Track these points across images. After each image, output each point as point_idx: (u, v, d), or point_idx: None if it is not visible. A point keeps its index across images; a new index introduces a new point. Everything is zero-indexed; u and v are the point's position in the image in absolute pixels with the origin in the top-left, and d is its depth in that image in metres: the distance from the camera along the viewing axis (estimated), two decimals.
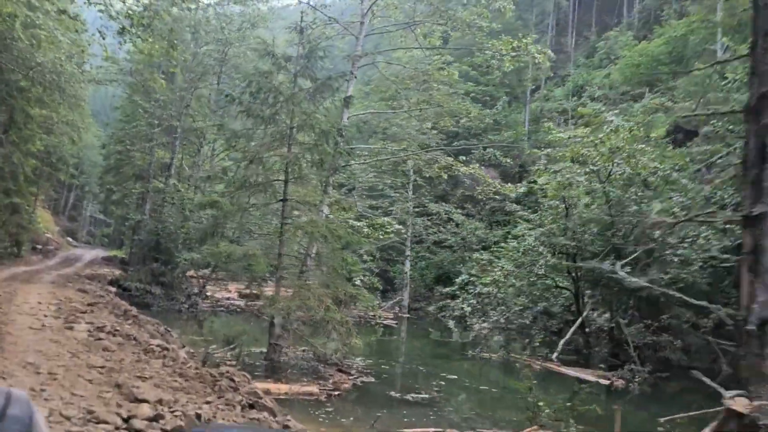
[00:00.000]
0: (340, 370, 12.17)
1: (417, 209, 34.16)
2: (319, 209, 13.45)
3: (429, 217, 33.19)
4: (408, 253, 33.26)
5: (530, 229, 22.33)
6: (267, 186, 13.23)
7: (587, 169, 17.15)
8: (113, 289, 23.96)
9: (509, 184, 29.43)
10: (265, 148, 12.76)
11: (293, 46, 14.63)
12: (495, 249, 35.22)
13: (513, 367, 16.56)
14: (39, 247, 44.73)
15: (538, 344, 19.58)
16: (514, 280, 20.34)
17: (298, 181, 13.35)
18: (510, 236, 36.43)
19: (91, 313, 13.13)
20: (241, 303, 28.19)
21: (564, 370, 15.29)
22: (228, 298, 30.05)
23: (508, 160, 37.67)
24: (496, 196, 40.75)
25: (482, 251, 34.30)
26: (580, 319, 19.13)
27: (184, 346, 11.13)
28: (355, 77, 16.05)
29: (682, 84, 28.61)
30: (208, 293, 28.33)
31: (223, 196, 13.69)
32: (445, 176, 22.50)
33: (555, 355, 17.33)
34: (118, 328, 10.73)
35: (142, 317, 13.02)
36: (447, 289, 34.76)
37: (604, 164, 17.15)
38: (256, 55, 28.88)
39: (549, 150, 21.30)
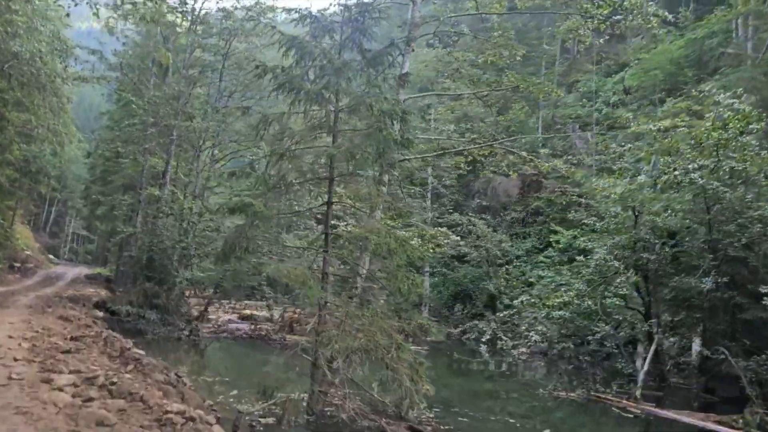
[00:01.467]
0: (411, 429, 9.08)
1: (440, 219, 31.32)
2: (371, 215, 10.45)
3: (452, 229, 30.27)
4: (427, 269, 30.29)
5: (590, 240, 19.52)
6: (307, 185, 10.24)
7: (691, 165, 14.29)
8: (100, 314, 20.67)
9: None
10: (306, 136, 9.78)
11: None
12: (519, 264, 32.48)
13: (607, 410, 13.56)
14: (17, 265, 41.31)
15: (596, 376, 16.73)
16: (589, 302, 17.43)
17: (345, 178, 10.37)
18: (538, 248, 33.92)
19: (77, 354, 9.95)
20: (246, 326, 25.02)
21: (673, 414, 12.33)
22: (230, 321, 26.84)
23: (528, 168, 35.15)
24: (516, 208, 38.15)
25: (507, 266, 31.48)
26: (653, 347, 16.25)
27: (212, 409, 7.98)
28: (412, 50, 13.17)
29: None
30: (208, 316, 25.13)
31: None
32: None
33: (638, 392, 14.41)
34: (115, 380, 7.60)
35: (146, 360, 9.84)
36: (462, 307, 31.88)
37: (705, 160, 14.38)
38: (266, 42, 26.22)
39: (631, 144, 18.44)
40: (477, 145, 16.91)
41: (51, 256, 65.10)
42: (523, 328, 25.61)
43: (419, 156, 15.20)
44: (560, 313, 17.93)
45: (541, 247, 33.27)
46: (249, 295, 31.39)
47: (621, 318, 17.44)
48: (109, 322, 20.72)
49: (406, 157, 13.19)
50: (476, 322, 27.68)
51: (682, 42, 45.65)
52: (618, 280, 16.60)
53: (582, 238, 20.95)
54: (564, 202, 26.27)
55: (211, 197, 27.74)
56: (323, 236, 10.25)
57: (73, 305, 21.38)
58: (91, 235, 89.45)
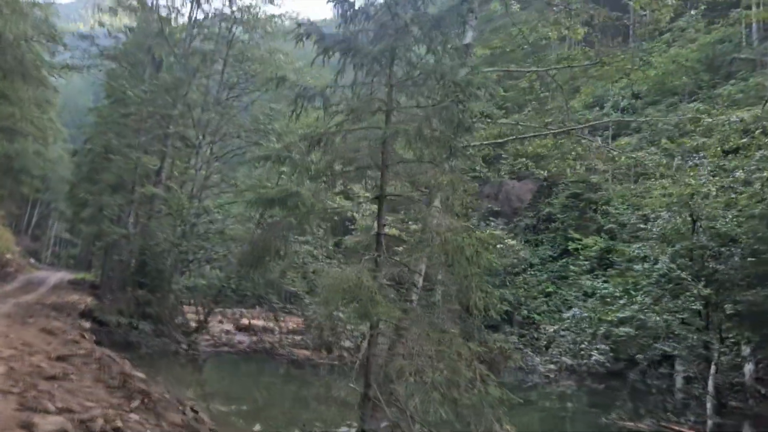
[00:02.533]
0: None
1: None
2: (430, 210, 8.57)
3: None
4: (440, 277, 28.37)
5: (640, 248, 17.76)
6: (357, 174, 8.33)
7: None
8: (87, 325, 18.51)
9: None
10: (362, 111, 7.89)
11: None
12: (534, 273, 30.74)
13: None
14: None
15: (666, 403, 14.94)
16: (656, 316, 15.60)
17: (399, 167, 8.50)
18: (552, 256, 32.24)
19: (65, 381, 7.90)
20: (246, 338, 22.94)
21: None
22: (227, 332, 24.72)
23: (542, 172, 33.59)
24: (528, 213, 36.47)
25: (523, 274, 29.68)
26: (713, 367, 14.51)
27: None
28: (476, 17, 11.34)
29: None
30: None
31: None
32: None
33: (709, 421, 12.63)
34: (119, 425, 5.62)
35: (155, 393, 7.79)
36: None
37: None
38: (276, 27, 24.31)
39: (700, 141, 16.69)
40: (551, 131, 15.07)
41: (32, 260, 62.57)
42: (543, 342, 23.84)
43: (484, 143, 13.36)
44: (626, 330, 16.11)
45: (556, 255, 31.58)
46: (245, 304, 29.27)
47: (685, 335, 15.66)
48: (98, 334, 18.57)
49: (469, 144, 11.32)
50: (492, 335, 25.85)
51: (694, 47, 44.70)
52: (686, 293, 14.87)
53: (634, 246, 19.13)
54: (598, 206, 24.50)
55: (208, 199, 25.64)
56: (374, 237, 8.33)
57: (57, 314, 19.18)
58: (74, 238, 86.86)
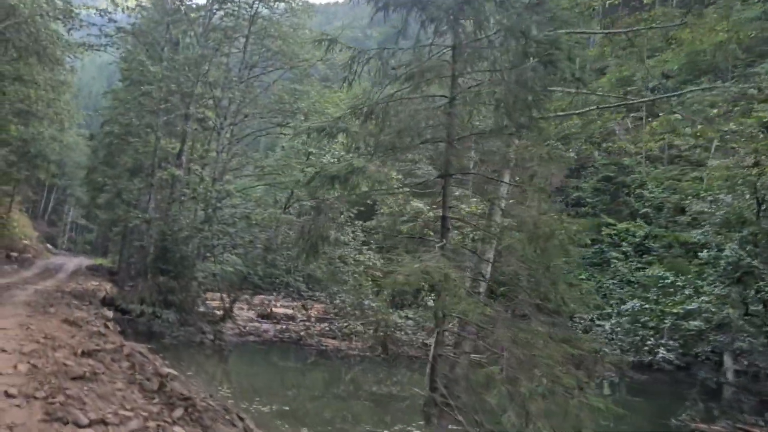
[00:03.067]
0: None
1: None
2: (498, 193, 7.53)
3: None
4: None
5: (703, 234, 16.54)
6: (418, 148, 7.32)
7: None
8: (110, 313, 17.77)
9: None
10: (424, 75, 6.85)
11: None
12: (566, 260, 29.51)
13: None
14: (14, 255, 38.48)
15: (741, 403, 13.90)
16: (730, 309, 14.48)
17: (468, 139, 7.49)
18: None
19: (95, 383, 7.04)
20: (270, 327, 22.10)
21: None
22: (250, 321, 23.93)
23: (572, 154, 32.37)
24: (556, 198, 35.24)
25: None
26: None
27: None
28: None
29: None
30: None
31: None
32: None
33: None
34: None
35: (199, 399, 6.87)
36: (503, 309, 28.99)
37: None
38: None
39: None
40: (640, 101, 13.84)
41: (49, 246, 62.47)
42: (579, 332, 22.75)
43: (559, 115, 12.24)
44: (696, 324, 14.99)
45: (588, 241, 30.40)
46: (268, 291, 28.36)
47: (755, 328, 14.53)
48: (121, 323, 17.84)
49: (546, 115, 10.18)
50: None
51: (727, 24, 42.72)
52: (760, 282, 13.72)
53: (695, 232, 17.90)
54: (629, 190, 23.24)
55: (229, 182, 24.69)
56: (440, 221, 7.33)
57: (79, 303, 18.48)
58: (90, 224, 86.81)
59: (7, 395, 6.38)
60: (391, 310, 18.54)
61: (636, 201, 25.78)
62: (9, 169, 29.60)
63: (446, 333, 7.08)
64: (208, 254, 20.28)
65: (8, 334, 10.92)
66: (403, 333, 18.14)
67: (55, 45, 21.42)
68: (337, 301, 19.09)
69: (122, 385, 6.89)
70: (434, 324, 7.16)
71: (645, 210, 26.30)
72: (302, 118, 18.64)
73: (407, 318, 18.36)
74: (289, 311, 25.01)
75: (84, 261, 51.10)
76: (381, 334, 17.73)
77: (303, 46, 21.25)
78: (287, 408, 9.95)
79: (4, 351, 9.10)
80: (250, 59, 22.14)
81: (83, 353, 9.28)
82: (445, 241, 7.20)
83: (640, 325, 17.74)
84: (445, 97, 7.44)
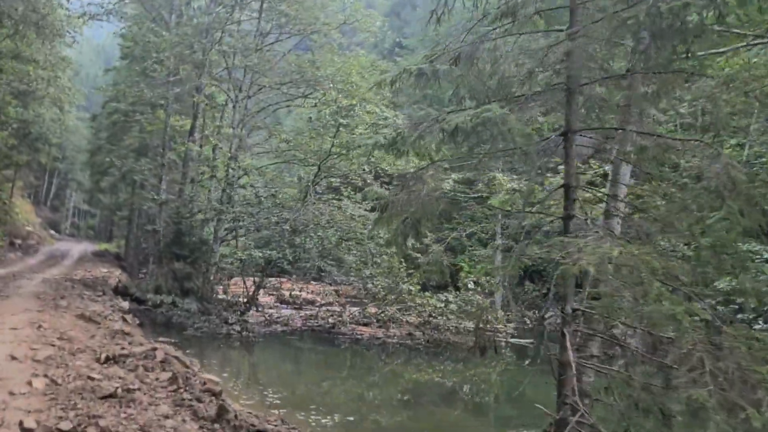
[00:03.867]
0: None
1: None
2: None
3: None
4: (499, 240, 25.68)
5: None
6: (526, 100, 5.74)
7: None
8: (125, 304, 16.34)
9: None
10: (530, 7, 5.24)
11: None
12: None
13: None
14: (18, 242, 37.08)
15: None
16: None
17: (594, 88, 5.90)
18: None
19: (131, 405, 5.55)
20: (295, 314, 20.59)
21: None
22: (272, 306, 22.46)
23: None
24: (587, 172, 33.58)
25: None
26: None
27: None
28: None
29: None
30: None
31: None
32: None
33: None
34: None
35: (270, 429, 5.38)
36: (534, 286, 27.52)
37: None
38: None
39: None
40: None
41: (52, 232, 61.19)
42: None
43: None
44: None
45: None
46: (289, 276, 26.61)
47: None
48: (136, 314, 16.45)
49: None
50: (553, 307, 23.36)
51: None
52: None
53: None
54: None
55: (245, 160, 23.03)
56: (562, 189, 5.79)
57: (91, 293, 17.05)
58: (92, 209, 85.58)
59: (22, 427, 4.91)
60: (428, 293, 17.08)
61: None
62: (9, 152, 27.92)
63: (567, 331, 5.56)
64: (228, 237, 18.75)
65: (19, 335, 9.48)
66: (443, 318, 16.72)
67: (54, 14, 19.65)
68: (370, 286, 17.64)
69: (168, 408, 5.40)
70: (561, 321, 5.65)
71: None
72: (331, 84, 16.94)
73: (446, 302, 16.89)
74: (315, 296, 23.52)
75: (89, 246, 49.84)
76: (422, 320, 16.32)
77: (324, 7, 19.48)
78: (351, 418, 8.50)
79: (15, 359, 7.65)
80: (265, 27, 20.34)
81: (108, 359, 7.82)
82: (569, 212, 5.68)
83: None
84: (561, 30, 5.82)
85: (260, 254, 15.35)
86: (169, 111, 21.10)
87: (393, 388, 12.01)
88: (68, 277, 22.43)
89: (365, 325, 17.73)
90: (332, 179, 18.01)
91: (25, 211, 50.98)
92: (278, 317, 18.58)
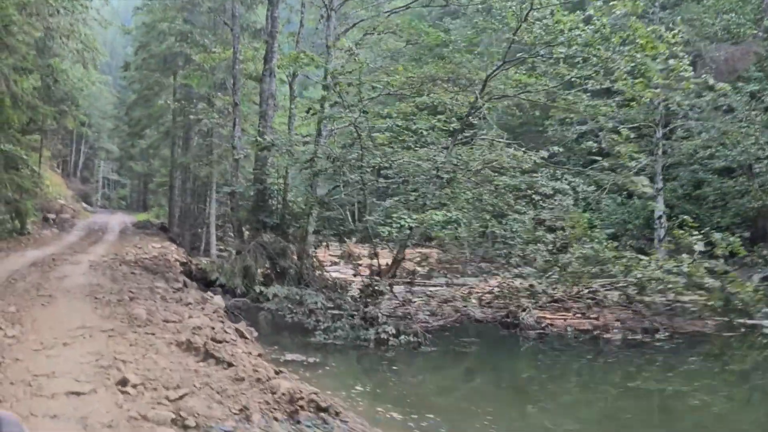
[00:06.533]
0: None
1: None
2: None
3: None
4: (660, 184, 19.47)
5: None
6: None
7: None
8: (218, 300, 11.23)
9: None
10: None
11: None
12: None
13: None
14: (51, 216, 32.94)
15: None
16: None
17: None
18: None
19: None
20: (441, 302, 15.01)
21: None
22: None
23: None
24: None
25: None
26: None
27: None
28: None
29: None
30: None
31: None
32: None
33: None
34: None
35: None
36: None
37: None
38: None
39: None
40: None
41: (84, 204, 57.66)
42: None
43: None
44: None
45: None
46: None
47: None
48: (233, 312, 11.44)
49: None
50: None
51: None
52: None
53: None
54: None
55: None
56: None
57: (163, 284, 12.03)
58: (122, 179, 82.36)
59: None
60: (645, 259, 11.48)
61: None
62: (36, 103, 22.87)
63: None
64: (359, 199, 13.43)
65: (86, 409, 4.50)
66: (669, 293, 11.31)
67: None
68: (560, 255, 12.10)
69: None
70: None
71: None
72: None
73: (673, 273, 11.28)
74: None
75: (126, 218, 45.68)
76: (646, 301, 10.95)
77: None
78: None
79: None
80: None
81: None
82: None
83: None
84: None
85: (407, 225, 9.72)
86: (236, 32, 15.61)
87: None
88: (119, 257, 17.56)
89: (558, 311, 12.28)
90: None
91: (56, 184, 47.04)
92: (418, 306, 13.11)
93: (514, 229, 11.56)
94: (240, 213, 15.54)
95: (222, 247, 27.81)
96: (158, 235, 32.28)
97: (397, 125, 10.69)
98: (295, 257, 14.83)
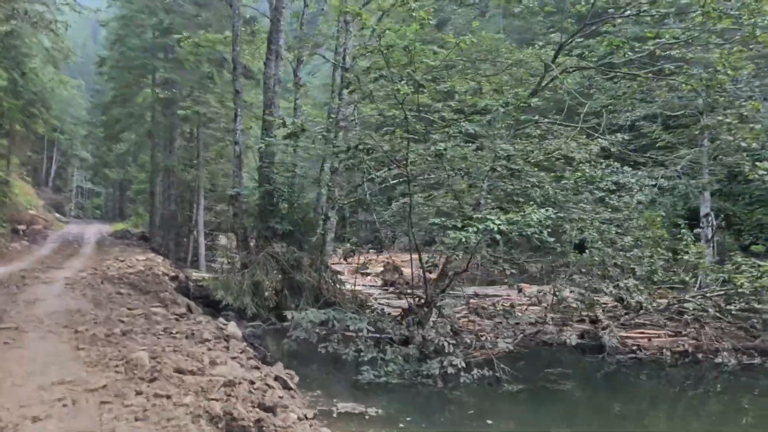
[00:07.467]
0: None
1: None
2: None
3: None
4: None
5: None
6: None
7: None
8: (234, 329, 8.89)
9: None
10: None
11: None
12: None
13: None
14: (21, 228, 30.21)
15: None
16: None
17: None
18: None
19: None
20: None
21: None
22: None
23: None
24: None
25: None
26: None
27: None
28: None
29: None
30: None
31: None
32: None
33: None
34: None
35: None
36: None
37: None
38: None
39: None
40: None
41: (57, 214, 54.62)
42: None
43: None
44: None
45: None
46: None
47: None
48: (248, 340, 9.14)
49: None
50: None
51: None
52: None
53: None
54: None
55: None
56: None
57: (160, 308, 9.68)
58: (96, 187, 79.33)
59: None
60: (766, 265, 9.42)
61: None
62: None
63: None
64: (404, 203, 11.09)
65: None
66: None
67: None
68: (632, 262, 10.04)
69: None
70: None
71: None
72: None
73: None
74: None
75: (102, 228, 42.92)
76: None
77: None
78: None
79: None
80: None
81: None
82: None
83: None
84: None
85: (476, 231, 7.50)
86: (237, 7, 13.32)
87: None
88: (100, 273, 15.08)
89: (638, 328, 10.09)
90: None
91: (26, 193, 44.04)
92: (482, 327, 10.78)
93: (600, 231, 9.50)
94: (245, 219, 13.20)
95: (212, 258, 25.36)
96: (139, 246, 29.68)
97: (461, 101, 8.57)
98: (312, 270, 12.56)
